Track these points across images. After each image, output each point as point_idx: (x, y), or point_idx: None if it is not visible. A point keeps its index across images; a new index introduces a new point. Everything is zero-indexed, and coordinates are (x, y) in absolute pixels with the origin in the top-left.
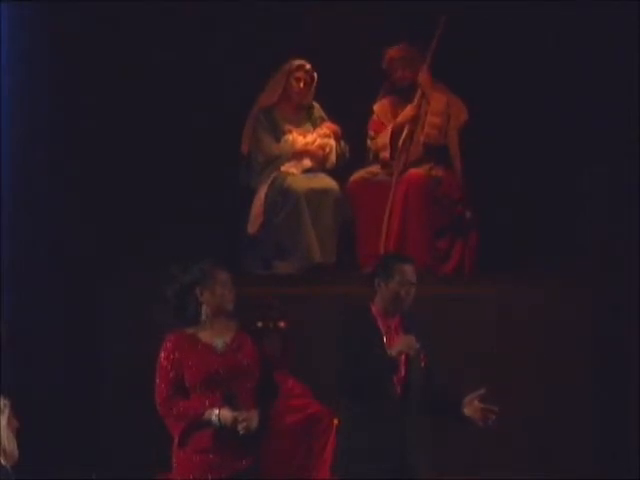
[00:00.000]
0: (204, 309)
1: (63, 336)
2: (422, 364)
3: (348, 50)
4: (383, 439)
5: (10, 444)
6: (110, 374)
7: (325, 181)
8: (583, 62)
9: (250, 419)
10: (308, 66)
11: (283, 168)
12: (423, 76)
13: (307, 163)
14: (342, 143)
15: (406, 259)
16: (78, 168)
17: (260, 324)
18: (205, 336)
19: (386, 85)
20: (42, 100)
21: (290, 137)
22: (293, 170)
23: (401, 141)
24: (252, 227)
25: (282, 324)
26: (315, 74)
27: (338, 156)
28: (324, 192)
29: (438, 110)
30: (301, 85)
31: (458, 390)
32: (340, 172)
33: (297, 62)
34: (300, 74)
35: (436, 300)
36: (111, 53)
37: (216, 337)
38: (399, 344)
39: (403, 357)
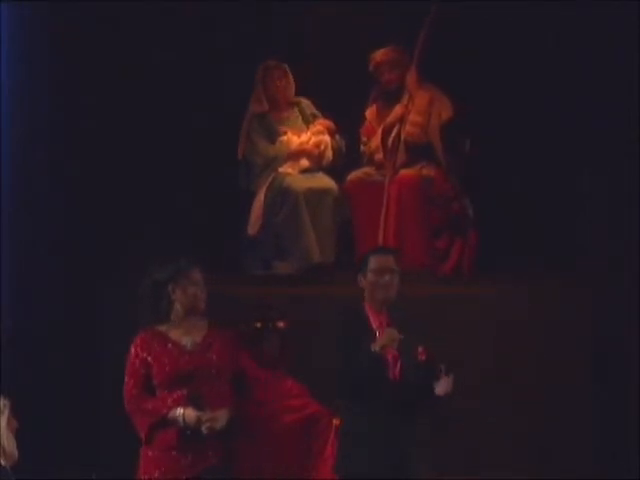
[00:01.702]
0: (176, 307)
1: (63, 336)
2: (422, 358)
3: (346, 50)
4: (378, 438)
5: (10, 444)
6: (110, 374)
7: (324, 181)
8: (583, 62)
9: (214, 419)
10: (273, 63)
11: (281, 169)
12: (411, 76)
13: (304, 163)
14: (337, 138)
15: (379, 250)
16: (78, 168)
17: (259, 324)
18: (175, 334)
19: (376, 89)
20: (42, 100)
21: (285, 138)
22: (290, 170)
23: (390, 141)
24: (252, 228)
25: (281, 324)
26: (285, 65)
27: (334, 151)
28: (323, 192)
29: (420, 108)
30: (276, 83)
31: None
32: (339, 171)
33: (262, 65)
34: (269, 74)
35: (435, 300)
36: (111, 53)
37: (186, 336)
38: (381, 338)
39: (397, 355)
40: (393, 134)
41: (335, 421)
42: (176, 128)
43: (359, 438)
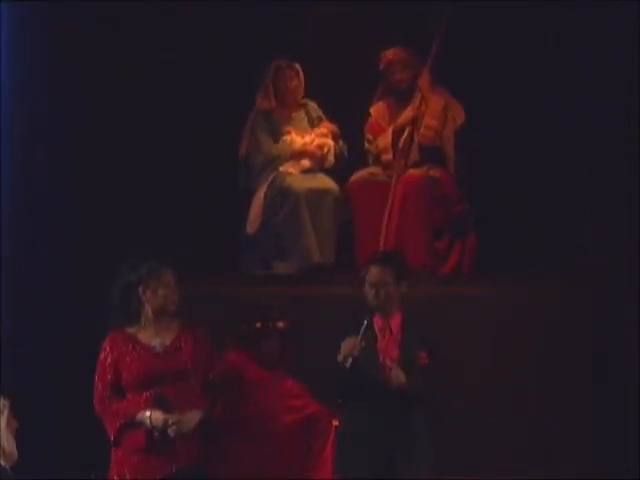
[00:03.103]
0: (146, 309)
1: (63, 336)
2: (424, 362)
3: (347, 50)
4: (371, 439)
5: (9, 444)
6: None
7: (324, 181)
8: (583, 62)
9: (182, 422)
10: (285, 62)
11: (282, 168)
12: (424, 78)
13: (306, 163)
14: (340, 143)
15: (376, 260)
16: (78, 168)
17: (259, 324)
18: (144, 337)
19: (382, 87)
20: (42, 100)
21: (288, 137)
22: (292, 170)
23: (401, 142)
24: (251, 227)
25: (281, 324)
26: (297, 66)
27: (337, 156)
28: (323, 192)
29: (436, 112)
30: (287, 83)
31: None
32: (340, 172)
33: (275, 63)
34: (281, 73)
35: (435, 300)
36: (111, 53)
37: (155, 338)
38: (342, 348)
39: (397, 358)
40: (404, 135)
41: (335, 421)
42: (176, 128)
43: (354, 439)
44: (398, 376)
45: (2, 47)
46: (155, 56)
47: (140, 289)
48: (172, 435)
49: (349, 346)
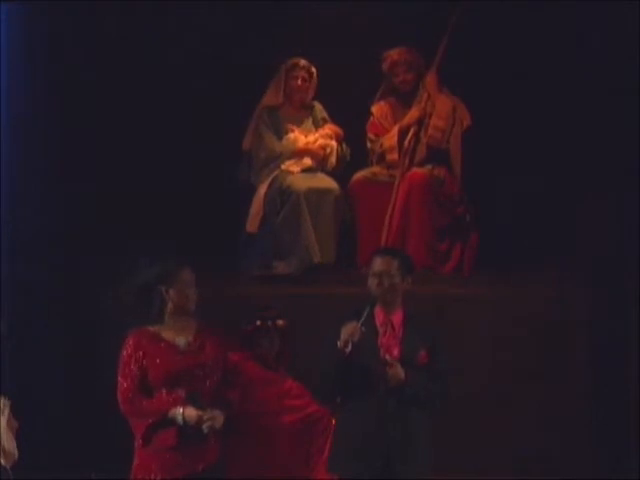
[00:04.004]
0: (168, 307)
1: (63, 336)
2: (423, 361)
3: (348, 50)
4: (369, 438)
5: (10, 444)
6: (110, 374)
7: (325, 181)
8: (583, 62)
9: (215, 418)
10: (303, 62)
11: (283, 166)
12: (430, 78)
13: (307, 162)
14: (343, 146)
15: (381, 251)
16: (77, 168)
17: (258, 322)
18: (168, 335)
19: (385, 87)
20: (42, 100)
21: (292, 135)
22: (293, 168)
23: (407, 142)
24: (251, 225)
25: (280, 323)
26: (313, 69)
27: (339, 158)
28: (324, 192)
29: (443, 113)
30: (299, 82)
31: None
32: (341, 172)
33: (292, 60)
34: (296, 72)
35: (436, 300)
36: (111, 53)
37: (178, 336)
38: (342, 333)
39: (398, 355)
40: (410, 135)
41: (334, 421)
42: (175, 128)
43: (348, 436)
44: (398, 373)
45: (2, 47)
46: (155, 56)
47: (162, 288)
48: (206, 431)
49: (349, 330)
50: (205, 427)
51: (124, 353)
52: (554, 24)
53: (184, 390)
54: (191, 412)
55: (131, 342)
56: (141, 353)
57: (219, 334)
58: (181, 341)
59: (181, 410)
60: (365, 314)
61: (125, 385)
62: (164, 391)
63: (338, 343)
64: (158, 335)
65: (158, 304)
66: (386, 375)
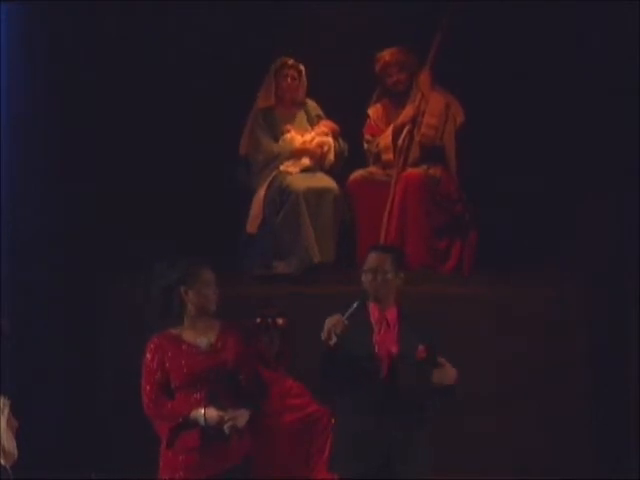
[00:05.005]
0: (189, 309)
1: (63, 336)
2: (422, 356)
3: (348, 51)
4: (369, 437)
5: (10, 444)
6: (110, 374)
7: (324, 180)
8: (583, 62)
9: (236, 418)
10: (291, 61)
11: (282, 167)
12: (424, 77)
13: (306, 162)
14: (340, 141)
15: (376, 248)
16: (77, 168)
17: (258, 320)
18: (189, 336)
19: (380, 88)
20: (42, 100)
21: (288, 136)
22: (292, 169)
23: (401, 141)
24: (251, 226)
25: (280, 321)
26: (302, 67)
27: (337, 154)
28: (323, 191)
29: (436, 111)
30: (288, 81)
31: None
32: (339, 171)
33: (280, 60)
34: (285, 71)
35: (436, 299)
36: (111, 53)
37: (200, 337)
38: (325, 325)
39: (397, 352)
40: (404, 134)
41: (333, 420)
42: (175, 128)
43: (346, 434)
44: (451, 373)
45: (2, 47)
46: (155, 56)
47: (182, 290)
48: (227, 432)
49: (332, 322)
50: (227, 428)
51: (147, 357)
52: (554, 24)
53: (206, 391)
54: (212, 413)
55: (152, 346)
56: (162, 356)
57: (241, 334)
58: (203, 342)
59: (202, 411)
60: (352, 308)
61: (149, 388)
62: (185, 393)
63: (321, 335)
64: (179, 337)
65: (177, 305)
66: (440, 375)
